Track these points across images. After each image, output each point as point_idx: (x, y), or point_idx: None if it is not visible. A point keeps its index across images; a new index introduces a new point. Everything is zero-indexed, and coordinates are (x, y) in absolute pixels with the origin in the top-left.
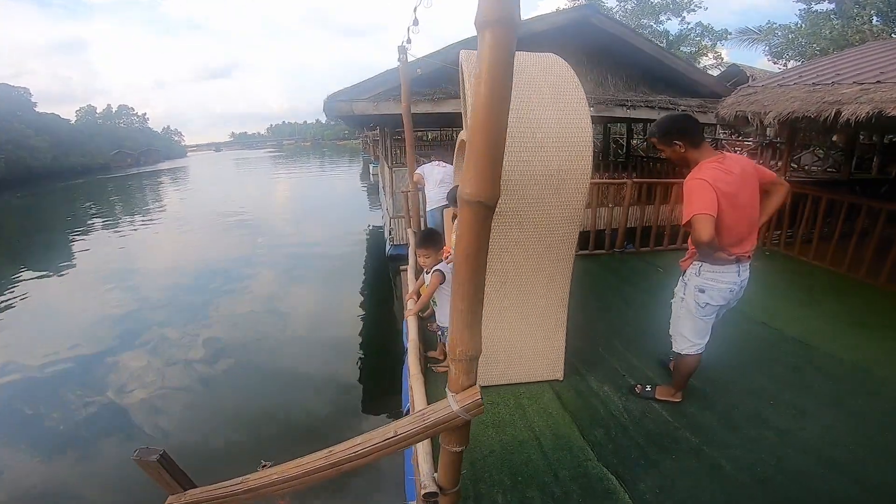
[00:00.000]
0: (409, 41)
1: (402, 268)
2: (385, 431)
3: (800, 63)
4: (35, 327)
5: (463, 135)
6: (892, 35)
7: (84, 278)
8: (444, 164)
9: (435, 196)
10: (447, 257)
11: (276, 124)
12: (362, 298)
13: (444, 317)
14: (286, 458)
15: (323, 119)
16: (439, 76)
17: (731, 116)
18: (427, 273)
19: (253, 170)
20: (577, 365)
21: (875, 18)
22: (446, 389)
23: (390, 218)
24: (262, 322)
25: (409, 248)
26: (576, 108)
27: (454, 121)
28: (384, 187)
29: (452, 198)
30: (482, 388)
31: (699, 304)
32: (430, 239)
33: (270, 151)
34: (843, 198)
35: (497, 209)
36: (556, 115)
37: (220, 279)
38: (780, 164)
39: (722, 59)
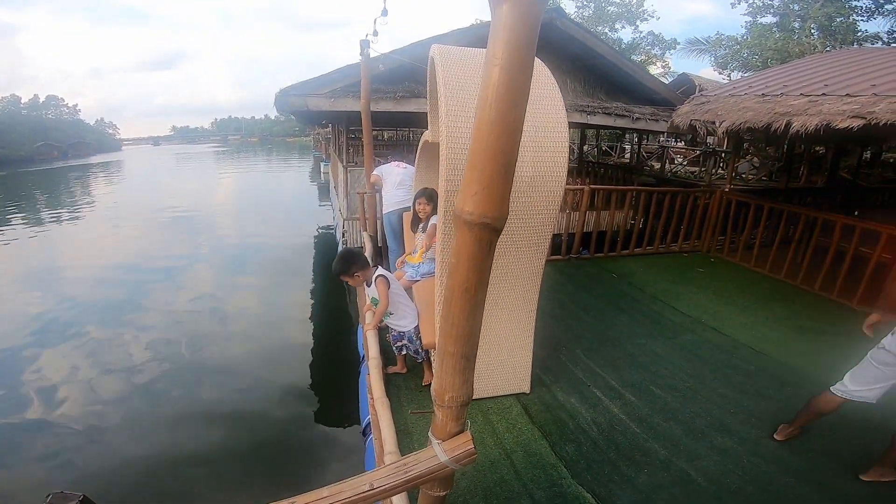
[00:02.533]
0: (375, 33)
1: None
2: (357, 483)
3: (744, 73)
4: None
5: (428, 135)
6: (829, 48)
7: None
8: (404, 164)
9: (393, 199)
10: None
11: (222, 118)
12: (311, 300)
13: (402, 320)
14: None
15: (273, 114)
16: (402, 74)
17: (685, 125)
18: (368, 286)
19: (194, 165)
20: (542, 375)
21: (815, 31)
22: (430, 435)
23: (343, 220)
24: (202, 324)
25: (365, 253)
26: (553, 111)
27: (414, 121)
28: (336, 187)
29: (429, 196)
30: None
31: (879, 345)
32: (348, 263)
33: (214, 147)
34: (784, 207)
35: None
36: (531, 118)
37: (153, 278)
38: (720, 171)
39: (669, 67)
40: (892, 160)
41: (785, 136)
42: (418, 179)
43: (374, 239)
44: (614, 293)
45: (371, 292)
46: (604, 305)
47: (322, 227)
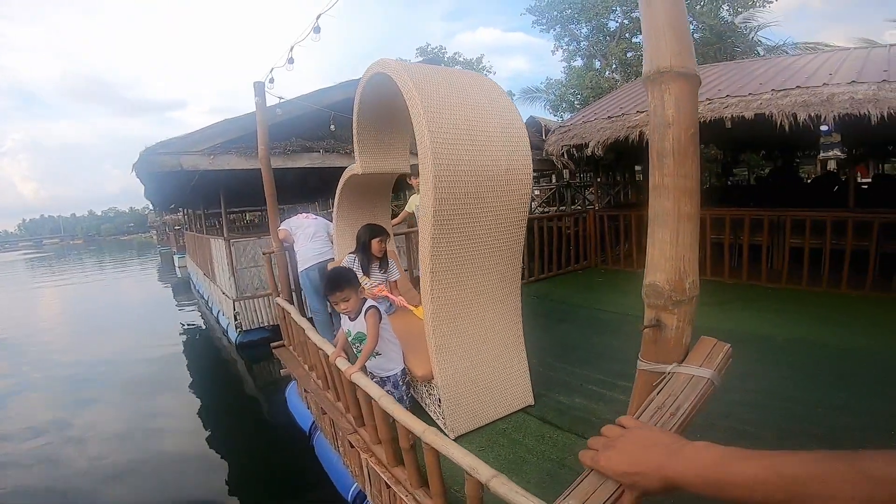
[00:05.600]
0: (272, 80)
1: (274, 346)
2: None
3: (572, 113)
4: None
5: (357, 167)
6: (630, 79)
7: None
8: (313, 215)
9: (309, 253)
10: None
11: (33, 218)
12: (199, 403)
13: (390, 363)
14: None
15: (100, 210)
16: (289, 130)
17: (559, 150)
18: (352, 319)
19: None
20: (532, 387)
21: (614, 66)
22: (644, 363)
23: (234, 301)
24: (57, 460)
25: (292, 313)
26: (510, 114)
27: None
28: (211, 272)
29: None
30: (457, 439)
31: None
32: (342, 279)
33: (26, 253)
34: (644, 213)
35: (449, 212)
36: (496, 120)
37: None
38: (573, 206)
39: None
40: None
41: (640, 147)
42: (344, 218)
43: (292, 303)
44: (544, 309)
45: (356, 326)
46: (544, 320)
47: (188, 326)
